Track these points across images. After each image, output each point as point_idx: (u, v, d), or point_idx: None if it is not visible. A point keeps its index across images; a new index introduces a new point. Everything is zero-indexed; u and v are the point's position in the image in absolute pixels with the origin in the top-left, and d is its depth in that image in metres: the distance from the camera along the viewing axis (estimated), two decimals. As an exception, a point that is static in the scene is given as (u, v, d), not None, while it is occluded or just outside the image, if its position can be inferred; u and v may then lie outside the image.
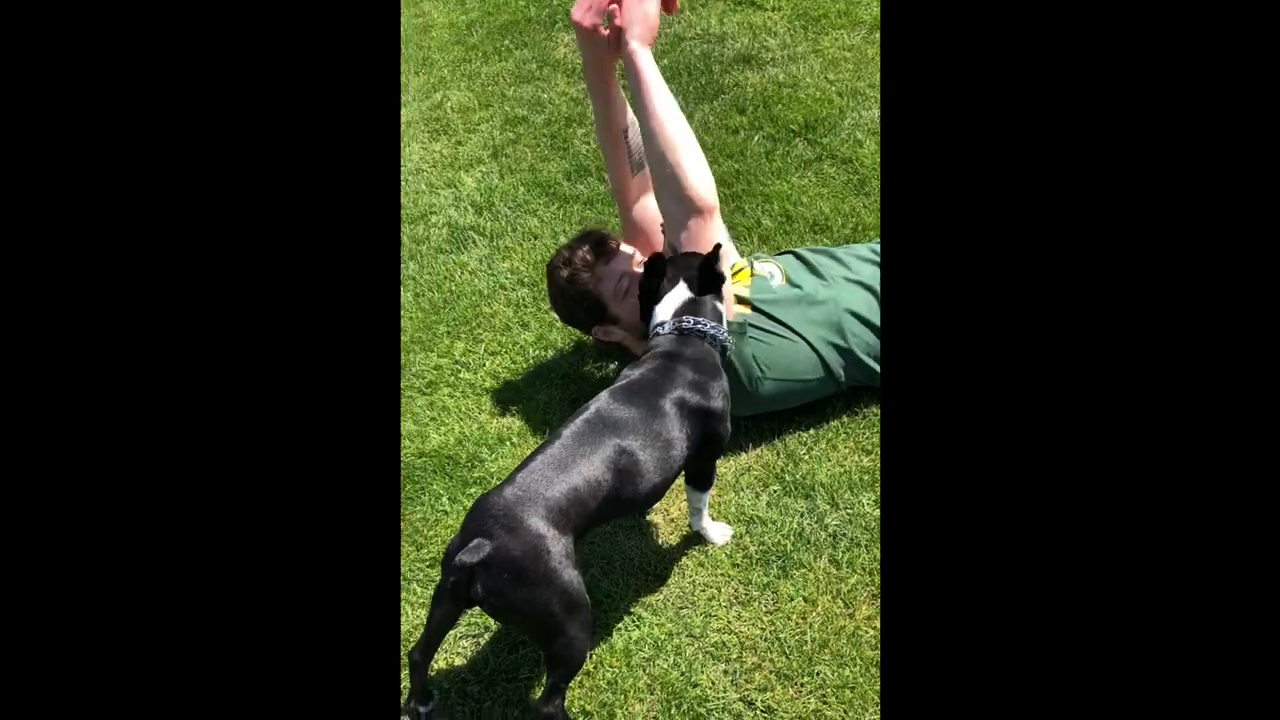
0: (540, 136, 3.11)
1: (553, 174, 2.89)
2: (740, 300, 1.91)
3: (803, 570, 1.67)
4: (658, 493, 1.51)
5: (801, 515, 1.76)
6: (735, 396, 1.90)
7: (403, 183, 3.03)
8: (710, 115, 3.04)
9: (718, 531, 1.76)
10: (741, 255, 2.11)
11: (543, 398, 2.14)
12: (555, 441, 1.43)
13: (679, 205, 1.77)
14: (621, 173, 2.11)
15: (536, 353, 2.27)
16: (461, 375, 2.24)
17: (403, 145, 3.23)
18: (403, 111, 3.44)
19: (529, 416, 2.10)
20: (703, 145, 1.86)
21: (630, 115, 2.03)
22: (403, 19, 4.22)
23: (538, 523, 1.31)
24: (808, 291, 1.94)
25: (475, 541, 1.29)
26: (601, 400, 1.51)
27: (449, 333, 2.37)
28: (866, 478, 1.80)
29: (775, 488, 1.83)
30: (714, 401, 1.57)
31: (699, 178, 1.77)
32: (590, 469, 1.39)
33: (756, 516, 1.78)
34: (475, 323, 2.38)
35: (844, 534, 1.71)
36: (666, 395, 1.52)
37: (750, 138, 2.89)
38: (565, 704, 1.39)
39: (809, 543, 1.71)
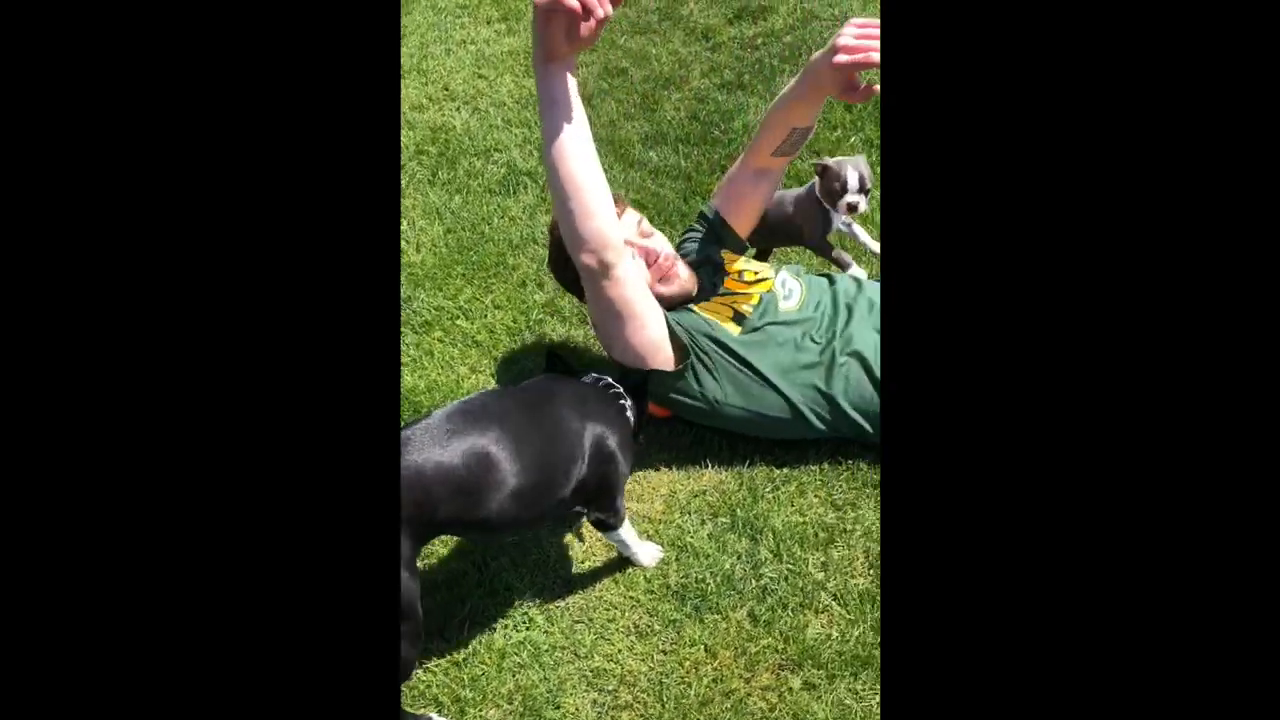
0: (633, 93, 2.97)
1: (629, 135, 2.75)
2: (737, 318, 1.75)
3: (716, 617, 1.52)
4: (515, 520, 1.30)
5: (738, 558, 1.60)
6: (699, 413, 1.76)
7: (482, 114, 2.96)
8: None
9: (646, 552, 1.61)
10: (779, 263, 1.92)
11: (528, 365, 2.04)
12: (417, 425, 1.27)
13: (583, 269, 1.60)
14: (763, 141, 1.86)
15: (540, 316, 2.17)
16: (459, 322, 2.16)
17: (495, 76, 3.17)
18: (505, 40, 3.37)
19: (505, 381, 2.01)
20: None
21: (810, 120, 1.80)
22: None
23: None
24: (813, 321, 1.75)
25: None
26: (489, 393, 1.39)
27: (463, 275, 2.30)
28: (823, 535, 1.62)
29: (724, 519, 1.67)
30: (612, 440, 1.41)
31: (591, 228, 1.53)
32: (444, 461, 1.23)
33: (691, 546, 1.64)
34: (492, 271, 2.30)
35: (775, 590, 1.55)
36: (566, 413, 1.38)
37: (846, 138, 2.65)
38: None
39: (735, 589, 1.56)
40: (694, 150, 2.65)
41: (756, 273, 1.85)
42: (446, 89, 3.12)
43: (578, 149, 1.47)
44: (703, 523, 1.68)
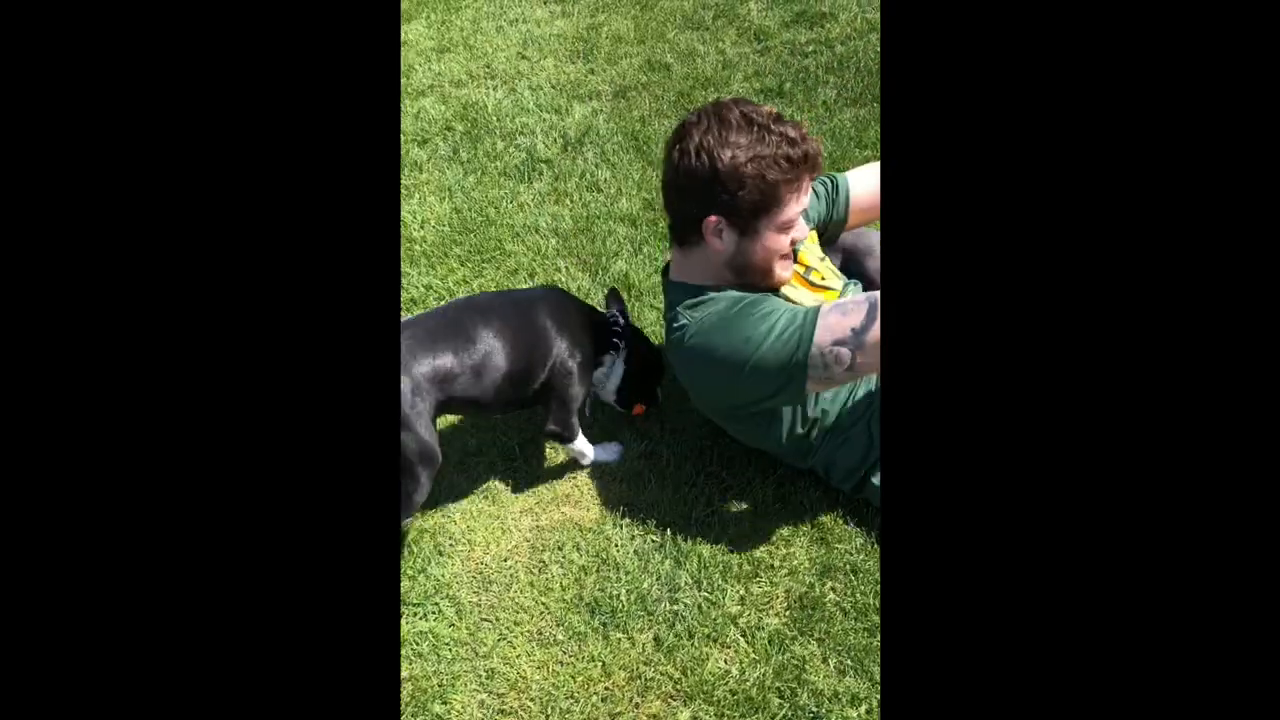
0: (670, 89, 2.93)
1: (655, 133, 2.72)
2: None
3: (621, 636, 1.51)
4: (505, 401, 1.63)
5: (658, 579, 1.58)
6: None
7: (517, 95, 2.97)
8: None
9: (606, 451, 1.80)
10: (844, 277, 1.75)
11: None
12: (433, 316, 1.62)
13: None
14: None
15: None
16: (441, 303, 2.18)
17: (539, 58, 3.16)
18: (557, 23, 3.36)
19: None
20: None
21: None
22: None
23: (403, 380, 1.50)
24: None
25: None
26: (488, 295, 1.71)
27: (459, 257, 2.31)
28: (747, 569, 1.58)
29: (654, 538, 1.65)
30: (573, 361, 1.65)
31: None
32: (454, 352, 1.56)
33: (614, 560, 1.62)
34: (487, 256, 2.31)
35: (685, 618, 1.52)
36: (547, 323, 1.64)
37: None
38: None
39: (647, 611, 1.54)
40: (716, 155, 2.60)
41: (824, 277, 1.66)
42: (489, 67, 3.14)
43: None
44: (632, 538, 1.66)
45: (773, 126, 1.42)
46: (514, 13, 3.45)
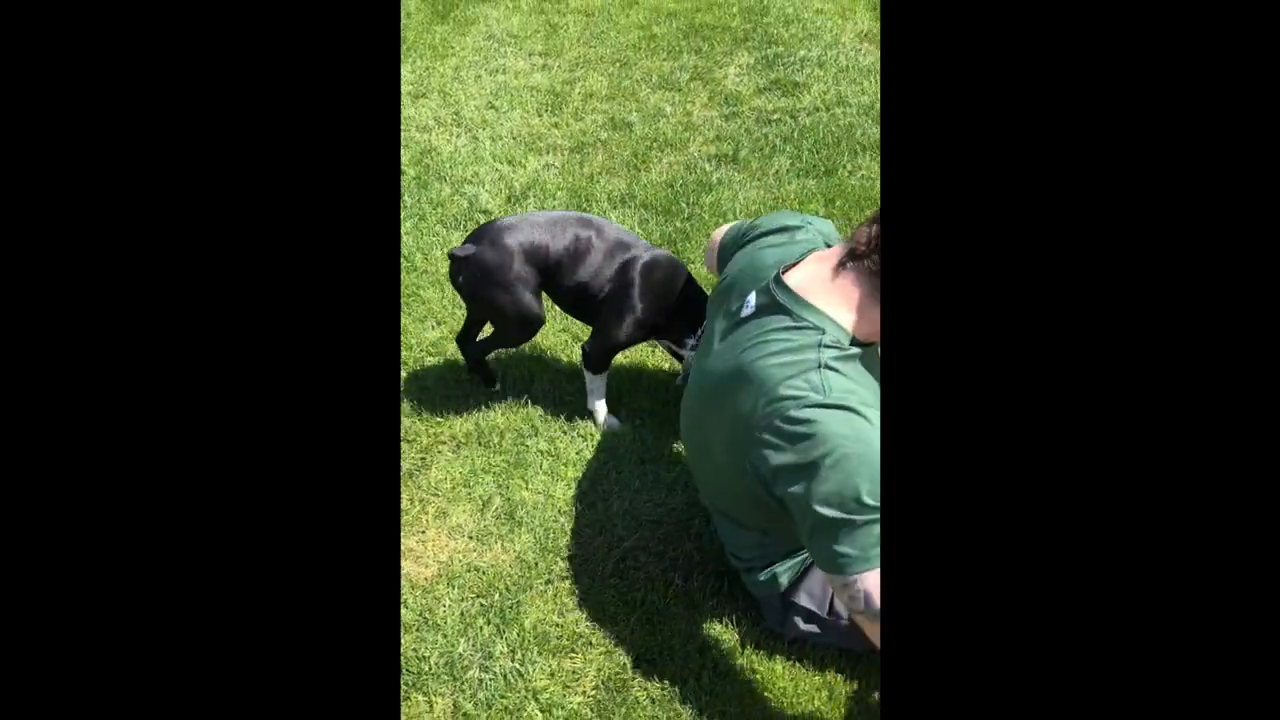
0: (627, 148, 2.96)
1: (599, 192, 2.75)
2: None
3: (421, 698, 1.48)
4: (572, 300, 1.95)
5: (474, 644, 1.56)
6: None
7: (477, 144, 3.03)
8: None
9: (604, 419, 1.98)
10: None
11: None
12: (552, 212, 1.95)
13: None
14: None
15: (422, 354, 2.19)
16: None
17: (507, 108, 3.23)
18: (535, 75, 3.44)
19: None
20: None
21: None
22: (624, -10, 4.19)
23: (513, 248, 1.84)
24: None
25: (466, 245, 1.88)
26: (603, 219, 1.97)
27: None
28: (565, 644, 1.55)
29: (483, 600, 1.63)
30: (628, 307, 1.89)
31: None
32: (561, 239, 1.89)
33: (436, 621, 1.60)
34: (403, 301, 2.35)
35: (488, 687, 1.49)
36: (632, 261, 1.90)
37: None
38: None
39: (453, 676, 1.51)
40: (653, 218, 2.61)
41: None
42: (457, 114, 3.21)
43: None
44: (463, 599, 1.64)
45: None
46: (496, 63, 3.54)
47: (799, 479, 1.17)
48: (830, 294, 1.28)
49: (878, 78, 3.32)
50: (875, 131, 2.95)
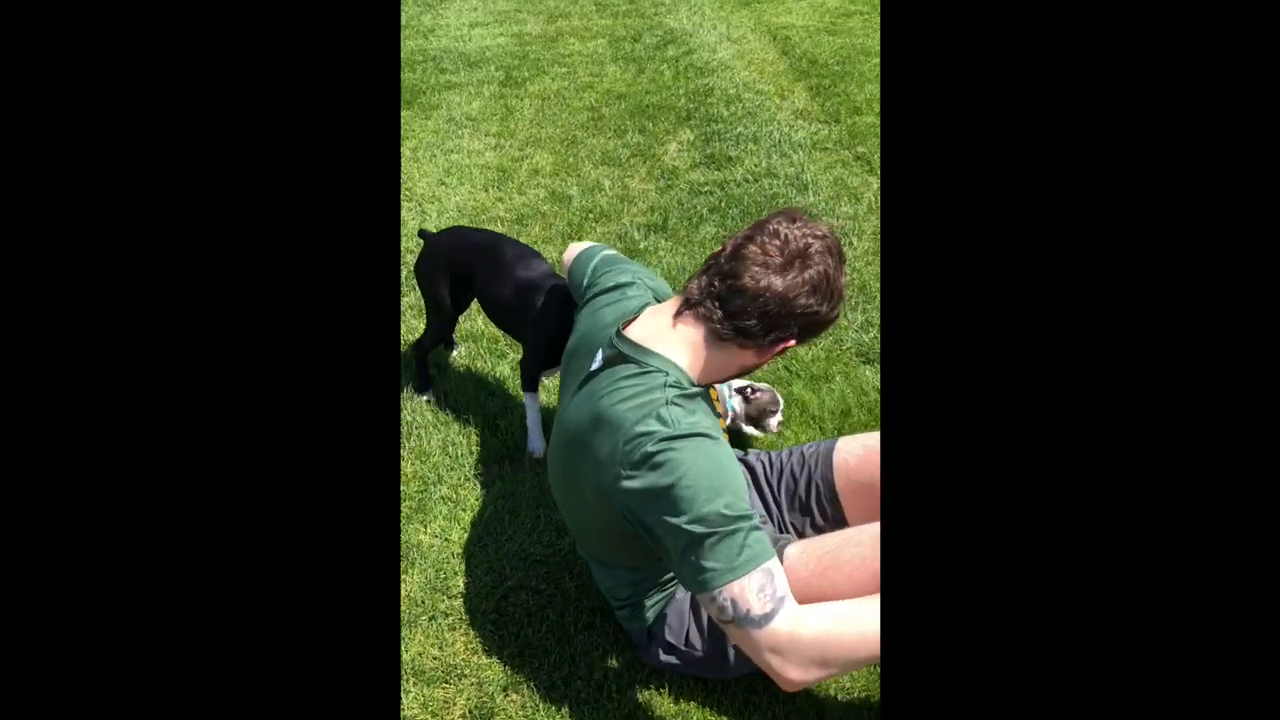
0: (564, 219, 3.14)
1: (533, 256, 2.91)
2: None
3: None
4: (502, 307, 2.14)
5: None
6: None
7: (423, 217, 3.21)
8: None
9: (532, 440, 2.12)
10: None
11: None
12: (478, 230, 2.33)
13: None
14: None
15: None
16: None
17: (456, 184, 3.43)
18: (487, 155, 3.65)
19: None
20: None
21: None
22: (581, 77, 4.46)
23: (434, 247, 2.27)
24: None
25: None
26: (527, 248, 2.20)
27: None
28: (439, 673, 1.63)
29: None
30: (538, 329, 2.05)
31: None
32: (478, 251, 2.19)
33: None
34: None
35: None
36: (547, 289, 2.06)
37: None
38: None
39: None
40: (578, 281, 2.76)
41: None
42: (409, 190, 3.41)
43: None
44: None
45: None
46: (452, 143, 3.77)
47: (662, 505, 1.28)
48: (670, 341, 1.42)
49: (808, 151, 3.52)
50: (801, 199, 3.13)
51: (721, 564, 1.24)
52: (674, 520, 1.26)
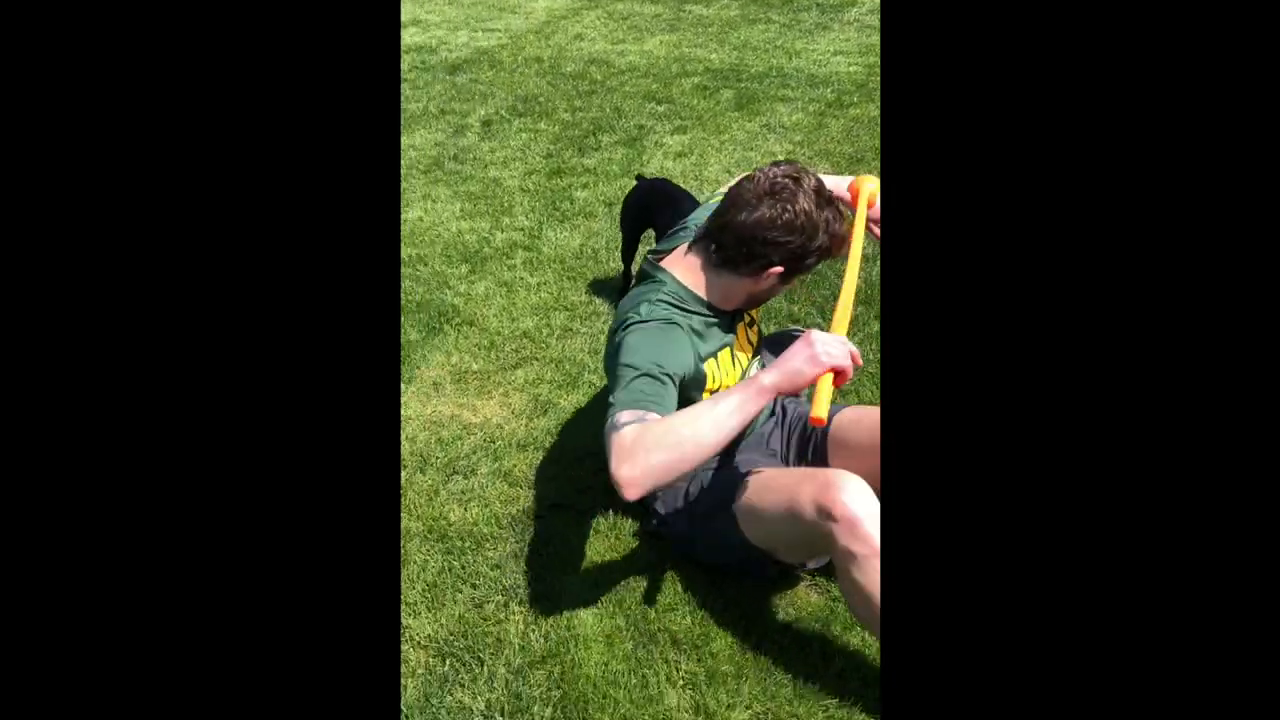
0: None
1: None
2: None
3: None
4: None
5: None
6: None
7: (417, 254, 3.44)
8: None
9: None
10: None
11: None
12: None
13: None
14: None
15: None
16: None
17: (448, 221, 3.62)
18: (466, 186, 3.91)
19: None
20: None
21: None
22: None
23: None
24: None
25: None
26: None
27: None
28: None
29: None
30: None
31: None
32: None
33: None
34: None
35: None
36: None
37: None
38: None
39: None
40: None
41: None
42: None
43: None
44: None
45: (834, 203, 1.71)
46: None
47: (612, 358, 1.66)
48: (680, 267, 1.81)
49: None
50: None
51: (624, 397, 1.54)
52: (610, 366, 1.67)
